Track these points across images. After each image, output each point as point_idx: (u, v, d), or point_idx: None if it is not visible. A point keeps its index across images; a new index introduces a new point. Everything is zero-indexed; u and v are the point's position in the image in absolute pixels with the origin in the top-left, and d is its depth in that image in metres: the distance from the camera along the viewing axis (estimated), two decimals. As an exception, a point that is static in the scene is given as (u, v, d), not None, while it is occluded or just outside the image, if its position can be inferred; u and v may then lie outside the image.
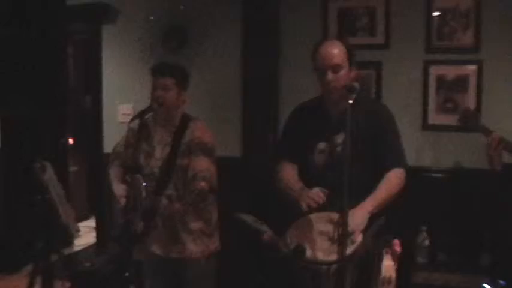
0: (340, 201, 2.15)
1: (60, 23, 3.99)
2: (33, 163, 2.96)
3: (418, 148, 3.85)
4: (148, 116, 2.96)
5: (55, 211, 2.94)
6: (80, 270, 4.11)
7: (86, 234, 5.44)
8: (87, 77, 5.27)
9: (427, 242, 3.66)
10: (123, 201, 2.90)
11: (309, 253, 2.32)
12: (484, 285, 3.19)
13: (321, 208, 2.48)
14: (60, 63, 4.01)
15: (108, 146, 4.81)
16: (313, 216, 2.51)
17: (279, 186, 2.76)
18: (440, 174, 3.83)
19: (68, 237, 3.28)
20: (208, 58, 4.39)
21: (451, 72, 3.83)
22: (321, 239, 2.41)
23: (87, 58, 5.17)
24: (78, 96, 6.42)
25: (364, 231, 2.34)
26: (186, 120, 3.04)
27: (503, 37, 3.72)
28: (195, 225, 3.01)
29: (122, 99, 4.71)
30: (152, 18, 4.53)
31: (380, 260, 2.34)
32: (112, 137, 4.73)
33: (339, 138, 2.61)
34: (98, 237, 5.08)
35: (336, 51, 2.57)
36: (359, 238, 2.31)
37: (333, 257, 2.25)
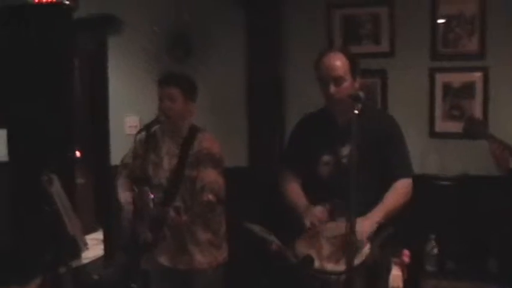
0: (347, 212, 2.14)
1: (67, 36, 4.01)
2: (41, 176, 2.97)
3: (425, 156, 3.84)
4: (156, 127, 2.97)
5: (62, 223, 2.94)
6: (89, 283, 4.10)
7: (93, 247, 5.43)
8: (93, 89, 5.28)
9: (435, 250, 3.64)
10: (129, 207, 2.89)
11: (317, 263, 2.31)
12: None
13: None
14: (67, 75, 4.03)
15: (115, 158, 4.82)
16: (321, 226, 2.51)
17: (284, 200, 2.76)
18: (447, 182, 3.81)
19: (76, 249, 3.27)
20: (213, 67, 4.40)
21: (457, 79, 3.82)
22: (329, 249, 2.40)
23: (93, 69, 5.18)
24: (85, 108, 6.44)
25: (372, 241, 2.33)
26: (194, 131, 3.03)
27: (508, 43, 3.71)
28: (203, 236, 3.00)
29: (128, 110, 4.72)
30: (156, 28, 4.55)
31: (389, 270, 2.33)
32: (119, 149, 4.74)
33: (345, 151, 2.60)
34: (105, 249, 5.08)
35: (338, 63, 2.56)
36: (366, 247, 2.30)
37: (342, 267, 2.24)
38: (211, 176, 2.90)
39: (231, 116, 4.37)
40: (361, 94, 2.38)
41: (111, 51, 4.82)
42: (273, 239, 2.44)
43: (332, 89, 2.54)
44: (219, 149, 3.02)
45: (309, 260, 2.27)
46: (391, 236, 2.33)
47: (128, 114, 4.72)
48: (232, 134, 4.27)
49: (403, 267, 2.40)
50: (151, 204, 2.86)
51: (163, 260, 3.05)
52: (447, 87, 3.84)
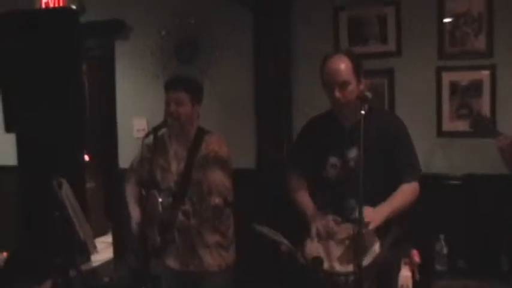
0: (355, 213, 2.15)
1: (74, 40, 4.03)
2: (50, 180, 2.99)
3: (433, 155, 3.83)
4: (163, 131, 2.98)
5: (72, 227, 2.96)
6: (99, 286, 4.13)
7: (103, 250, 5.47)
8: (101, 93, 5.31)
9: (445, 250, 3.63)
10: (135, 227, 2.92)
11: (326, 264, 2.32)
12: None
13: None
14: (75, 79, 4.04)
15: (123, 162, 4.85)
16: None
17: (292, 203, 2.77)
18: (456, 181, 3.80)
19: (86, 253, 3.30)
20: (220, 70, 4.42)
21: (464, 77, 3.81)
22: (339, 250, 2.41)
23: (101, 74, 5.21)
24: (93, 112, 6.48)
25: (382, 241, 2.33)
26: (201, 134, 3.03)
27: (516, 41, 3.70)
28: (212, 238, 3.01)
29: (136, 114, 4.75)
30: (163, 32, 4.57)
31: (398, 270, 2.33)
32: (127, 152, 4.78)
33: (352, 153, 2.60)
34: (115, 252, 5.11)
35: (342, 67, 2.55)
36: (376, 247, 2.30)
37: (351, 267, 2.24)
38: (218, 178, 2.89)
39: (239, 118, 4.38)
40: (369, 94, 2.38)
41: (119, 55, 4.85)
42: (282, 240, 2.44)
43: (337, 93, 2.54)
44: (227, 151, 3.00)
45: (318, 261, 2.27)
46: (400, 236, 2.33)
47: (136, 117, 4.75)
48: (240, 136, 4.28)
49: (413, 267, 2.39)
50: (160, 208, 2.86)
51: (173, 264, 3.06)
52: (454, 86, 3.82)
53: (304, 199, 2.74)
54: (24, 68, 3.97)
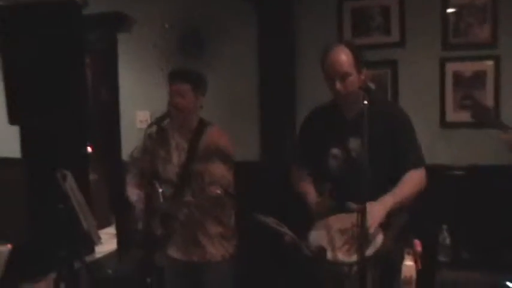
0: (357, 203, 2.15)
1: (77, 33, 4.04)
2: (54, 172, 3.00)
3: (436, 146, 3.82)
4: (166, 122, 2.98)
5: (76, 219, 2.98)
6: (103, 277, 4.14)
7: (107, 241, 5.48)
8: (104, 85, 5.32)
9: (448, 241, 3.63)
10: (139, 206, 2.93)
11: (329, 254, 2.32)
12: (508, 283, 3.15)
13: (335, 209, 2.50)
14: (78, 71, 4.05)
15: (126, 153, 4.85)
16: (333, 217, 2.52)
17: (295, 192, 2.78)
18: (459, 172, 3.80)
19: (90, 244, 3.31)
20: (224, 62, 4.41)
21: (468, 68, 3.80)
22: (342, 240, 2.41)
23: (104, 66, 5.21)
24: (95, 104, 6.48)
25: (385, 230, 2.34)
26: (202, 125, 3.04)
27: (520, 31, 3.68)
28: (215, 229, 3.03)
29: (139, 107, 4.75)
30: (167, 25, 4.56)
31: (401, 260, 2.33)
32: (130, 144, 4.78)
33: (354, 143, 2.60)
34: (119, 244, 5.12)
35: (343, 58, 2.54)
36: (379, 237, 2.31)
37: (354, 257, 2.24)
38: (219, 170, 2.91)
39: (243, 111, 4.38)
40: (372, 85, 2.38)
41: (122, 48, 4.85)
42: (286, 231, 2.44)
43: (338, 84, 2.54)
44: (228, 142, 3.01)
45: (321, 251, 2.28)
46: (404, 226, 2.33)
47: (139, 109, 4.75)
48: (244, 129, 4.29)
49: (416, 257, 2.40)
50: (161, 198, 2.88)
51: (176, 254, 3.08)
52: (458, 77, 3.82)
53: (307, 188, 2.75)
54: (27, 60, 3.98)
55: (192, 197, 2.91)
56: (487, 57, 3.75)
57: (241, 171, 3.07)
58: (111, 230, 5.79)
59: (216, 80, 4.16)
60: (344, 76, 2.54)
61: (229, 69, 4.42)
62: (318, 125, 2.78)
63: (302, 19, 4.19)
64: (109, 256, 5.34)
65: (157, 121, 2.89)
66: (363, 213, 2.16)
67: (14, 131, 4.86)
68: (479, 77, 3.77)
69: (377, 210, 2.34)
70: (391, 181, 2.53)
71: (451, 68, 3.83)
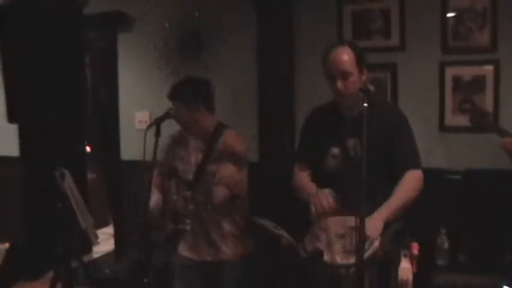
0: (355, 204, 2.15)
1: (77, 31, 4.03)
2: (52, 171, 3.00)
3: (435, 150, 3.83)
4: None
5: (74, 218, 2.98)
6: (101, 277, 4.14)
7: (104, 241, 5.48)
8: (103, 84, 5.32)
9: (446, 245, 3.63)
10: (155, 212, 3.01)
11: (326, 257, 2.32)
12: (505, 287, 3.15)
13: (332, 212, 2.49)
14: (77, 70, 4.05)
15: (125, 153, 4.86)
16: (330, 220, 2.52)
17: (293, 188, 2.78)
18: (457, 176, 3.80)
19: (88, 244, 3.31)
20: (224, 62, 4.41)
21: (467, 72, 3.80)
22: (339, 242, 2.41)
23: (103, 65, 5.21)
24: (95, 103, 6.48)
25: (382, 233, 2.34)
26: (220, 128, 3.11)
27: (519, 36, 3.69)
28: (227, 228, 3.05)
29: (138, 106, 4.75)
30: (167, 24, 4.56)
31: (398, 262, 2.33)
32: (129, 144, 4.79)
33: (352, 143, 2.61)
34: (116, 244, 5.12)
35: (345, 57, 2.56)
36: (376, 243, 2.31)
37: (351, 260, 2.25)
38: (228, 170, 2.95)
39: (242, 112, 4.37)
40: (371, 87, 2.39)
41: (122, 48, 4.85)
42: (283, 233, 2.45)
43: (339, 84, 2.56)
44: (243, 147, 3.07)
45: (318, 253, 2.28)
46: (401, 229, 2.33)
47: (138, 109, 4.75)
48: (243, 130, 4.26)
49: (413, 259, 2.40)
50: (175, 197, 2.97)
51: (189, 253, 3.13)
52: (457, 81, 3.82)
53: (305, 181, 2.76)
54: (27, 58, 3.97)
55: (204, 196, 2.94)
56: (487, 62, 3.75)
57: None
58: (108, 230, 5.79)
59: (214, 80, 4.14)
60: (345, 75, 2.55)
61: (228, 69, 4.42)
62: (317, 125, 2.80)
63: (302, 21, 4.19)
64: (106, 256, 5.34)
65: (157, 122, 2.90)
66: (360, 215, 2.16)
67: (13, 130, 4.86)
68: (478, 82, 3.77)
69: (374, 224, 2.35)
70: (388, 182, 2.53)
71: (450, 72, 3.83)
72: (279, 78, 4.19)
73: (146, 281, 2.79)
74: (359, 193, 2.13)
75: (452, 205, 3.75)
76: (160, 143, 3.15)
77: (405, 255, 2.34)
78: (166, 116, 2.94)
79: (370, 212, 2.36)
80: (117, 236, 5.09)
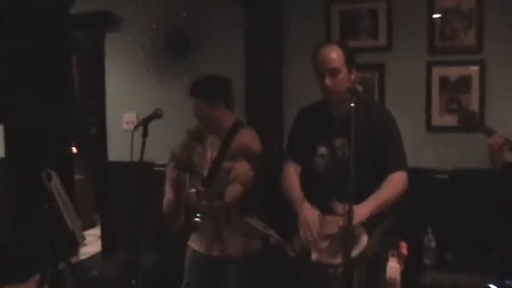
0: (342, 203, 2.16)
1: (64, 31, 4.02)
2: (39, 172, 2.98)
3: (422, 149, 3.84)
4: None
5: (61, 219, 2.96)
6: (88, 278, 4.12)
7: (91, 243, 5.44)
8: (91, 85, 5.29)
9: (433, 244, 3.65)
10: (168, 206, 3.09)
11: (315, 256, 2.33)
12: (491, 285, 3.18)
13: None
14: (64, 71, 4.03)
15: (112, 154, 4.84)
16: (319, 219, 2.52)
17: (281, 189, 2.79)
18: (444, 176, 3.82)
19: (75, 245, 3.29)
20: (211, 63, 4.40)
21: (453, 72, 3.82)
22: (327, 241, 2.42)
23: (90, 65, 5.19)
24: (82, 104, 6.44)
25: (371, 233, 2.35)
26: (237, 126, 3.13)
27: (505, 36, 3.70)
28: (238, 225, 3.04)
29: (125, 107, 4.73)
30: (155, 25, 4.55)
31: (386, 261, 2.34)
32: (116, 144, 4.77)
33: (339, 142, 2.62)
34: (103, 245, 5.09)
35: (334, 55, 2.58)
36: (364, 239, 2.32)
37: (339, 259, 2.25)
38: (243, 167, 2.98)
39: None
40: (359, 87, 2.39)
41: (109, 48, 4.82)
42: (271, 233, 2.45)
43: (328, 81, 2.57)
44: (258, 146, 3.09)
45: (306, 253, 2.28)
46: (389, 228, 2.34)
47: (126, 110, 4.73)
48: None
49: (401, 259, 2.41)
50: (188, 190, 2.99)
51: (198, 247, 3.16)
52: (444, 81, 3.84)
53: (294, 185, 2.76)
54: (13, 59, 3.95)
55: (217, 192, 2.95)
56: (473, 62, 3.77)
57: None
58: (95, 232, 5.76)
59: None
60: (334, 72, 2.56)
61: (216, 70, 4.38)
62: (307, 123, 2.81)
63: (290, 20, 4.19)
64: (93, 258, 5.30)
65: (144, 122, 2.89)
66: (348, 215, 2.16)
67: (-1, 131, 4.81)
68: (464, 82, 3.80)
69: (360, 211, 2.35)
70: (376, 181, 2.54)
71: (437, 72, 3.85)
72: (268, 78, 4.19)
73: (134, 282, 2.78)
74: (347, 192, 2.13)
75: (440, 205, 3.76)
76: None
77: (393, 255, 2.35)
78: (154, 116, 2.93)
79: None
80: (104, 237, 5.07)
